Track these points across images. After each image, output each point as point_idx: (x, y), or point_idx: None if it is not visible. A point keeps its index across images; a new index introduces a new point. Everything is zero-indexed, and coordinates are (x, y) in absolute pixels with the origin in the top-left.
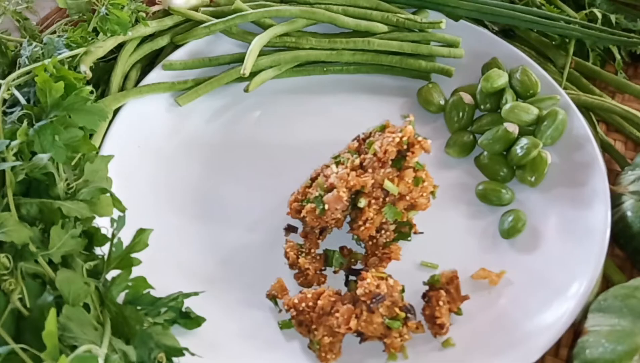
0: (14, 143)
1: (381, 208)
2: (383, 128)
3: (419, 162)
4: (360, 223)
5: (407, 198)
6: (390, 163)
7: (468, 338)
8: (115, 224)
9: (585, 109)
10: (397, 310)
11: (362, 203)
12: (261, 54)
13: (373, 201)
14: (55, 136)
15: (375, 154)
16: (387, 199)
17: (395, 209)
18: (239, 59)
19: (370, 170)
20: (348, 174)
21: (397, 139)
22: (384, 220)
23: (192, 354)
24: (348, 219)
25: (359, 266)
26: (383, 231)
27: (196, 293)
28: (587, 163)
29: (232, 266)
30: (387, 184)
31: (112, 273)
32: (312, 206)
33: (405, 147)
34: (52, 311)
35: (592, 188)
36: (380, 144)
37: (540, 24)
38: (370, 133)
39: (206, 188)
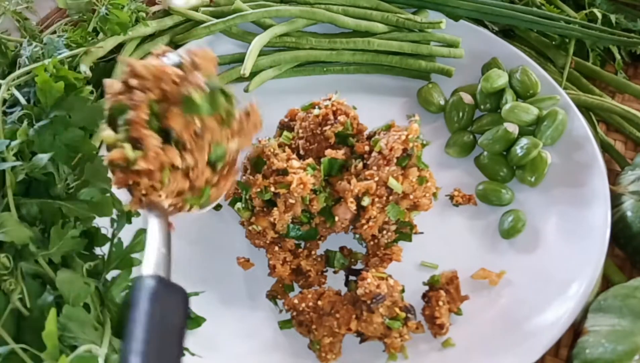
0: (14, 143)
1: (384, 207)
2: (388, 127)
3: (423, 161)
4: (364, 221)
5: (411, 196)
6: (395, 161)
7: (468, 338)
8: (115, 225)
9: (585, 109)
10: (397, 310)
11: (366, 201)
12: (261, 54)
13: (377, 199)
14: (55, 136)
15: (380, 152)
16: (391, 198)
17: (398, 208)
18: (239, 59)
19: (374, 168)
20: (350, 182)
21: (403, 137)
22: (386, 219)
23: (192, 354)
24: None
25: (359, 266)
26: (385, 231)
27: (196, 293)
28: (587, 163)
29: (232, 266)
30: (392, 182)
31: (112, 273)
32: (321, 218)
33: (411, 145)
34: (52, 311)
35: (592, 188)
36: (386, 141)
37: (540, 24)
38: (375, 132)
39: None
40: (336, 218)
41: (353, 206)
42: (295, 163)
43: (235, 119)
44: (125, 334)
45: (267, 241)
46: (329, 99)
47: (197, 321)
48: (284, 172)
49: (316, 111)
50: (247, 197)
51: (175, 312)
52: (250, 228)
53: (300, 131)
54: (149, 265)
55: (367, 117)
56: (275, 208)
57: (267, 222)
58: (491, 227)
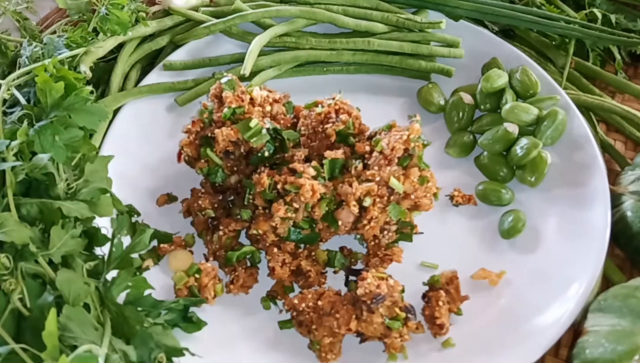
0: (14, 143)
1: (385, 207)
2: (390, 127)
3: (424, 162)
4: (365, 222)
5: (412, 197)
6: (396, 161)
7: (468, 338)
8: (115, 225)
9: (585, 109)
10: (397, 310)
11: (368, 201)
12: (261, 54)
13: (378, 199)
14: (55, 136)
15: (381, 152)
16: (392, 198)
17: (400, 208)
18: (239, 59)
19: (376, 168)
20: (351, 185)
21: (405, 137)
22: (387, 219)
23: (192, 354)
24: None
25: (359, 266)
26: (385, 232)
27: (203, 300)
28: (587, 163)
29: None
30: (393, 181)
31: (112, 273)
32: (325, 225)
33: (412, 145)
34: (52, 311)
35: (592, 188)
36: (388, 141)
37: (540, 24)
38: (376, 132)
39: None
40: (339, 222)
41: (355, 210)
42: (312, 171)
43: None
44: None
45: (267, 244)
46: (333, 98)
47: (198, 325)
48: (295, 172)
49: (319, 109)
50: (250, 196)
51: None
52: (250, 233)
53: (303, 128)
54: None
55: (366, 117)
56: (275, 204)
57: (267, 226)
58: (491, 227)
